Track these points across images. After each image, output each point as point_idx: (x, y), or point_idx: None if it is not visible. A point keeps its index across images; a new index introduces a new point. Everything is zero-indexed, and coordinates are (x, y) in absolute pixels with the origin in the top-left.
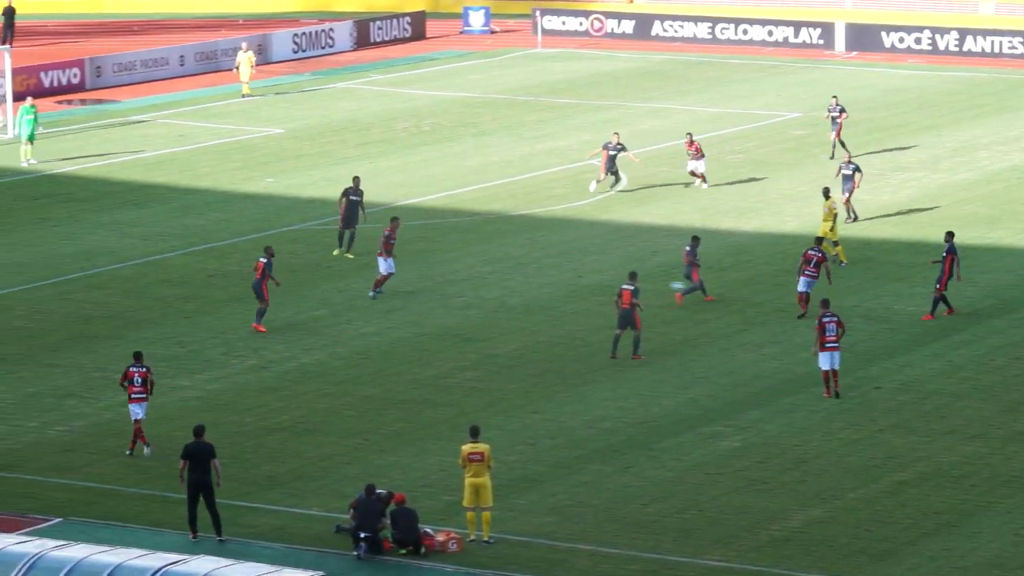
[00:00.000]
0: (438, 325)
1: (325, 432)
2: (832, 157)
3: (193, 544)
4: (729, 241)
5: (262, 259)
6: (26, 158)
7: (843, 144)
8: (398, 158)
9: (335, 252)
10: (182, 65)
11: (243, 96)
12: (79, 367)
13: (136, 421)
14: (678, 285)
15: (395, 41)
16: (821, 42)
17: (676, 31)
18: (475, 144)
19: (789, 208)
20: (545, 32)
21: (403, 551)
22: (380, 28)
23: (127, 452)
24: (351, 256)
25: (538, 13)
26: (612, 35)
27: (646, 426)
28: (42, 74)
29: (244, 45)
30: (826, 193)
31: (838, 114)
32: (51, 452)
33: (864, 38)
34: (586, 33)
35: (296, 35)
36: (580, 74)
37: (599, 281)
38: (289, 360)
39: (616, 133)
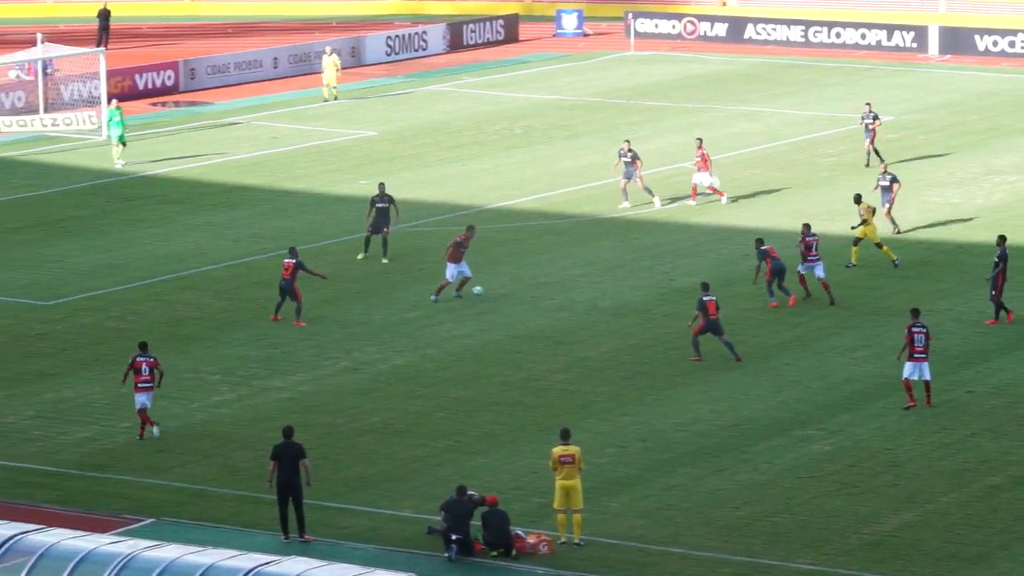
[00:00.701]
0: (529, 327)
1: (416, 434)
2: (868, 165)
3: (284, 545)
4: (821, 245)
5: (290, 260)
6: (119, 159)
7: (877, 152)
8: (490, 161)
9: (359, 256)
10: (275, 67)
11: (324, 100)
12: (171, 368)
13: (141, 410)
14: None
15: (488, 44)
16: (914, 45)
17: (769, 34)
18: (567, 147)
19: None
20: (638, 35)
21: (494, 553)
22: (473, 31)
23: (137, 438)
24: (387, 261)
25: (631, 16)
26: (704, 38)
27: (737, 429)
28: (136, 76)
29: (328, 49)
30: (857, 199)
31: (872, 121)
32: (143, 453)
33: (958, 41)
34: (679, 36)
35: (389, 38)
36: (672, 77)
37: (690, 284)
38: (381, 362)
39: (627, 140)
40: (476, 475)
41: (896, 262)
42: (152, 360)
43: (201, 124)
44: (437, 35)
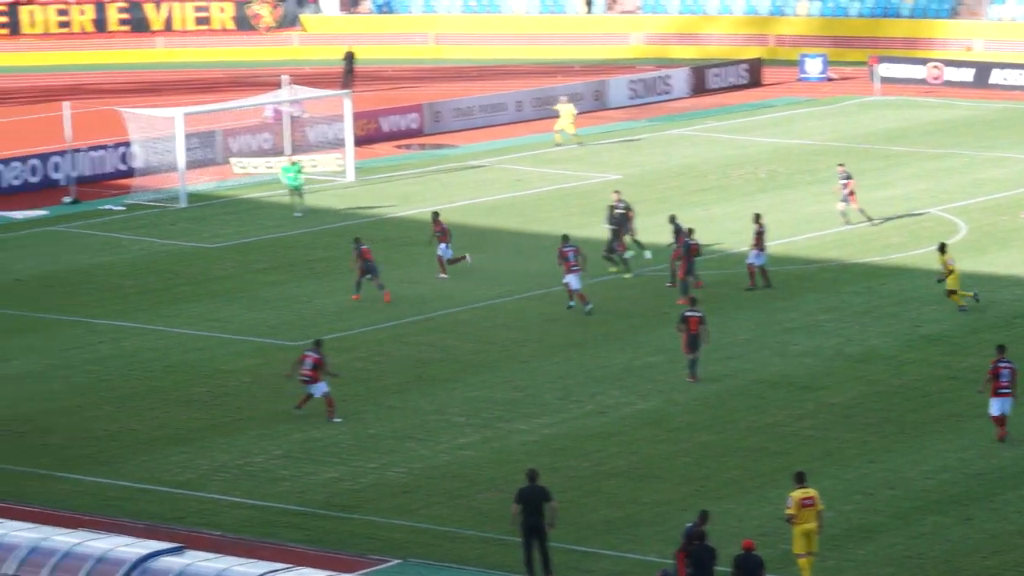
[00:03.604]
0: (774, 373)
1: (661, 478)
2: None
3: None
4: None
5: (363, 246)
6: (297, 211)
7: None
8: (734, 205)
9: (626, 276)
10: (519, 111)
11: (557, 144)
12: (417, 409)
13: (316, 397)
14: None
15: (731, 88)
16: None
17: (1016, 79)
18: (812, 191)
19: None
20: (883, 80)
21: None
22: (717, 75)
23: (295, 408)
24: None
25: (875, 61)
26: (950, 83)
27: (987, 477)
28: (381, 119)
29: (564, 97)
30: (941, 248)
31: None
32: (390, 493)
33: None
34: (923, 81)
35: (632, 81)
36: (917, 122)
37: (938, 331)
38: (626, 406)
39: (616, 191)
40: (722, 520)
41: (972, 300)
42: (317, 356)
43: (445, 167)
44: (681, 79)
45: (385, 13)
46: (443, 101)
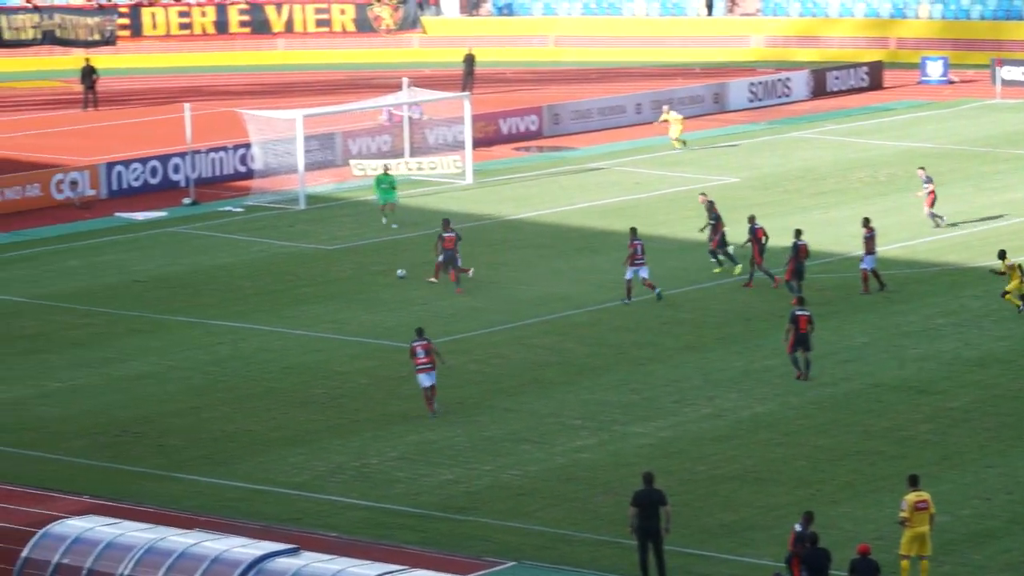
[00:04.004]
0: (892, 377)
1: (777, 482)
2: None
3: None
4: None
5: (448, 233)
6: (392, 223)
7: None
8: (853, 208)
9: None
10: (638, 113)
11: (679, 147)
12: (533, 412)
13: (425, 388)
14: None
15: (851, 91)
16: None
17: None
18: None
19: None
20: (1004, 83)
21: None
22: (837, 78)
23: (431, 416)
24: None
25: (997, 63)
26: None
27: None
28: (500, 121)
29: (666, 107)
30: (1001, 255)
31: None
32: (505, 496)
33: None
34: None
35: (752, 84)
36: None
37: None
38: (743, 409)
39: (703, 194)
40: (837, 524)
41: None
42: (426, 343)
43: (564, 169)
44: (801, 82)
45: (505, 15)
46: (562, 103)
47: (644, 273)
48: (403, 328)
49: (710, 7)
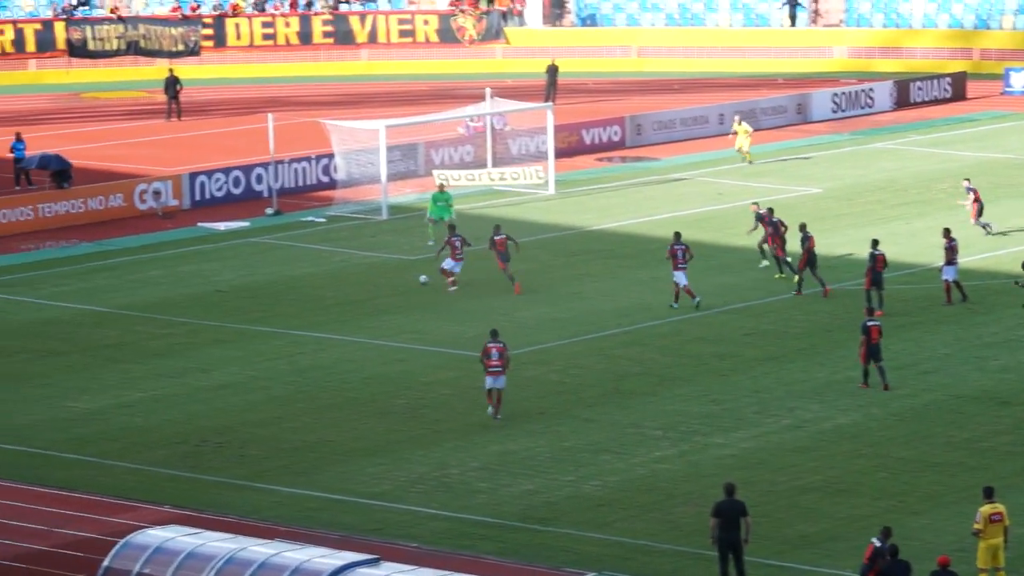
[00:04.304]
0: (974, 388)
1: (859, 493)
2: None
3: None
4: None
5: (498, 236)
6: (431, 238)
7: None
8: (936, 219)
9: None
10: (721, 123)
11: (749, 163)
12: (614, 423)
13: (490, 391)
14: None
15: (935, 102)
16: None
17: None
18: (1015, 206)
19: None
20: None
21: None
22: (920, 89)
23: (495, 417)
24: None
25: None
26: None
27: None
28: (583, 131)
29: (737, 117)
30: None
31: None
32: (585, 507)
33: None
34: None
35: (836, 95)
36: None
37: None
38: (824, 420)
39: (755, 203)
40: (918, 536)
41: None
42: (500, 345)
43: (647, 180)
44: (884, 92)
45: (588, 26)
46: (645, 114)
47: (682, 279)
48: (485, 339)
49: (793, 18)
